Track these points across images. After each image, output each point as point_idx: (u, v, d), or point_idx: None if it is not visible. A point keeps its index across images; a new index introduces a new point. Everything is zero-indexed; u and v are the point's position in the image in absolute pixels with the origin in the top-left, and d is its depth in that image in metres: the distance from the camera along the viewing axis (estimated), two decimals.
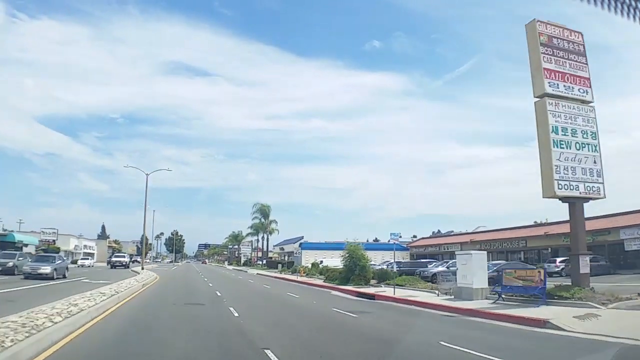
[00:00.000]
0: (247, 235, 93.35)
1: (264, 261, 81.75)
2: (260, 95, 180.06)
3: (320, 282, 33.21)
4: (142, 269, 45.86)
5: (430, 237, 70.47)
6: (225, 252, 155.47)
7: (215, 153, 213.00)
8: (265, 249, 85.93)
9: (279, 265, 64.71)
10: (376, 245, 79.33)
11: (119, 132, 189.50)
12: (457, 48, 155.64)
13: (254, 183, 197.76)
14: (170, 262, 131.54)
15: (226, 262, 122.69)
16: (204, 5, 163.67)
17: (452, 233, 65.96)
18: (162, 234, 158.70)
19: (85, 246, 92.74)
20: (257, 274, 53.65)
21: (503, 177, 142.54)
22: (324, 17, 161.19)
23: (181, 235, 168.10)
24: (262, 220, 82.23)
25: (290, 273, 49.55)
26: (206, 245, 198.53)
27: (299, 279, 38.74)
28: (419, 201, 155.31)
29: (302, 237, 74.80)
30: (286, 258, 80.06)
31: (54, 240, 69.22)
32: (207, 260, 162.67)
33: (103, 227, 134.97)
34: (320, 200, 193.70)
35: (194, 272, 51.35)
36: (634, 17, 2.82)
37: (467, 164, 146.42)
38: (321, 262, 49.38)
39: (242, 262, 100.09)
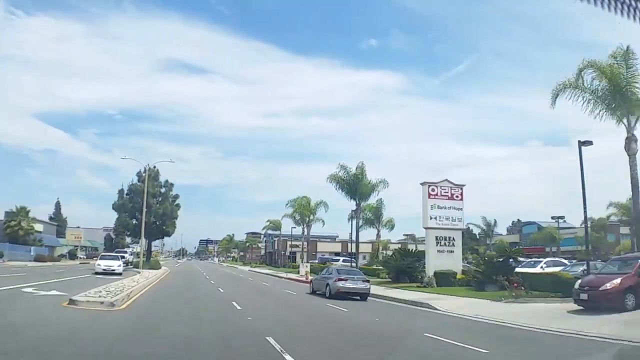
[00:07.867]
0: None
1: None
2: (258, 93, 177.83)
3: None
4: None
5: None
6: (254, 247, 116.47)
7: (214, 150, 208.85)
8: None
9: None
10: None
11: (118, 129, 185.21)
12: (455, 46, 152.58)
13: (253, 181, 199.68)
14: (125, 262, 39.71)
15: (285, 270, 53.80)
16: (201, 2, 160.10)
17: None
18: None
19: None
20: None
21: (504, 176, 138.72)
22: (321, 16, 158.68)
23: (171, 184, 63.71)
24: None
25: None
26: (208, 241, 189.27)
27: None
28: (419, 200, 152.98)
29: None
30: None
31: None
32: (216, 259, 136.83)
33: (57, 205, 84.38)
34: (319, 198, 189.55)
35: None
36: (634, 17, 2.74)
37: (466, 164, 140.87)
38: None
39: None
